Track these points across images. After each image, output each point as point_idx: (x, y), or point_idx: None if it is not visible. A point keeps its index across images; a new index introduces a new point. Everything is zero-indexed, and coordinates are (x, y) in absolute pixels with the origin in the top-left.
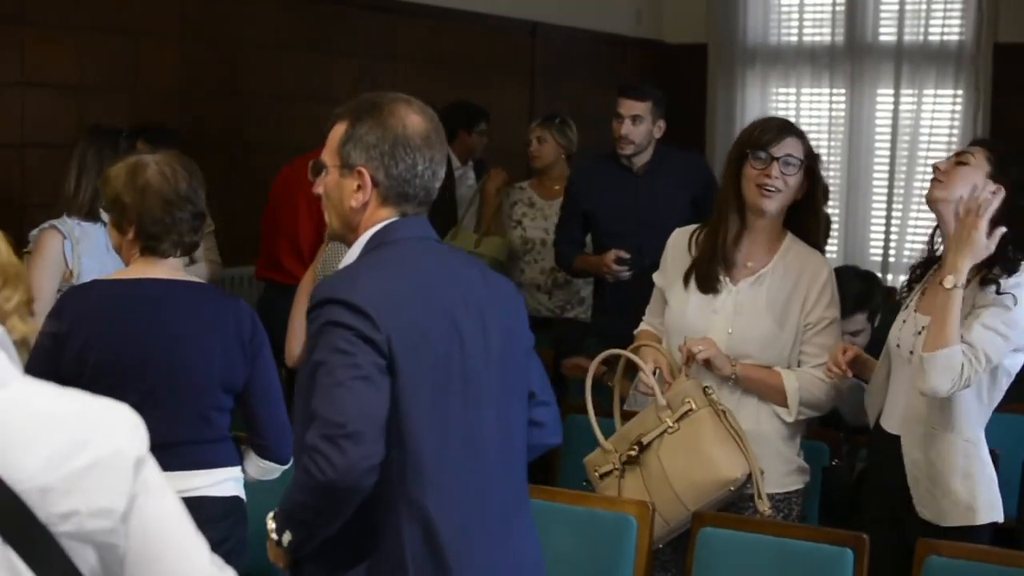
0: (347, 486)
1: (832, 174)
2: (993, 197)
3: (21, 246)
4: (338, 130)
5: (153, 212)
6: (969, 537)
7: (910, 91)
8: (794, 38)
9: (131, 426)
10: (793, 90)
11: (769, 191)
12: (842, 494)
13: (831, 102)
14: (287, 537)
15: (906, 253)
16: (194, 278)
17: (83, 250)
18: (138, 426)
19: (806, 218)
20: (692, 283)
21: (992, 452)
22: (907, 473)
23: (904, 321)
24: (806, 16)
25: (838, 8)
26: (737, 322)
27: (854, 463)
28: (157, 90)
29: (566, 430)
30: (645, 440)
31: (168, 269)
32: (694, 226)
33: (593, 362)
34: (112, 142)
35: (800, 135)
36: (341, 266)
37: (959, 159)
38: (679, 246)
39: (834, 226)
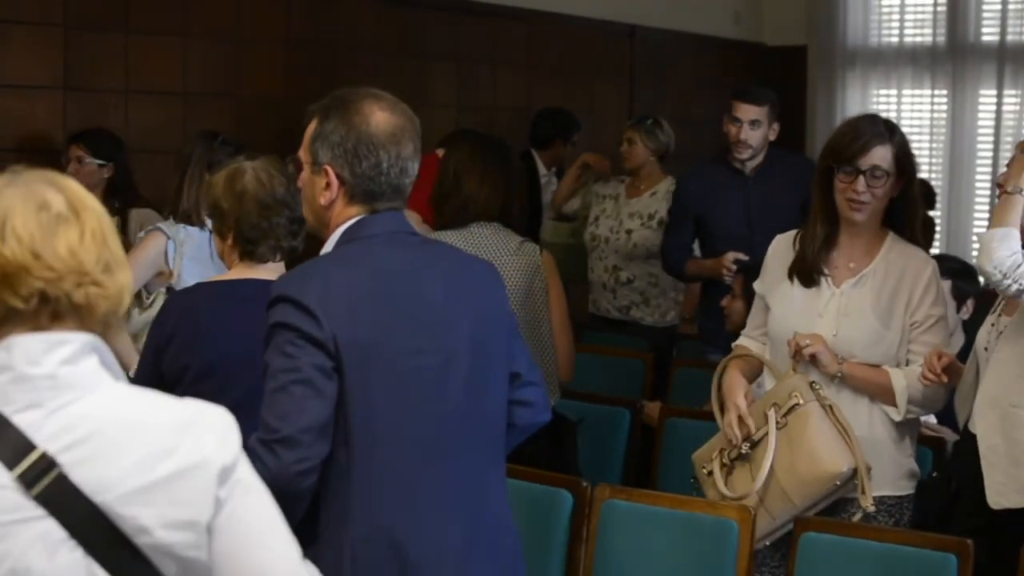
0: (281, 488)
1: (934, 176)
2: None
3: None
4: (310, 127)
5: (250, 217)
6: None
7: (1013, 91)
8: (895, 39)
9: (221, 432)
10: (894, 92)
11: (857, 205)
12: (937, 506)
13: (932, 103)
14: None
15: None
16: None
17: (185, 253)
18: (230, 430)
19: (904, 214)
20: (795, 285)
21: None
22: (983, 461)
23: (992, 324)
24: (907, 17)
25: (939, 8)
26: (842, 324)
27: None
28: (260, 96)
29: (668, 434)
30: (755, 437)
31: (268, 273)
32: (794, 232)
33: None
34: (218, 148)
35: (888, 138)
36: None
37: None
38: (780, 252)
39: (936, 228)
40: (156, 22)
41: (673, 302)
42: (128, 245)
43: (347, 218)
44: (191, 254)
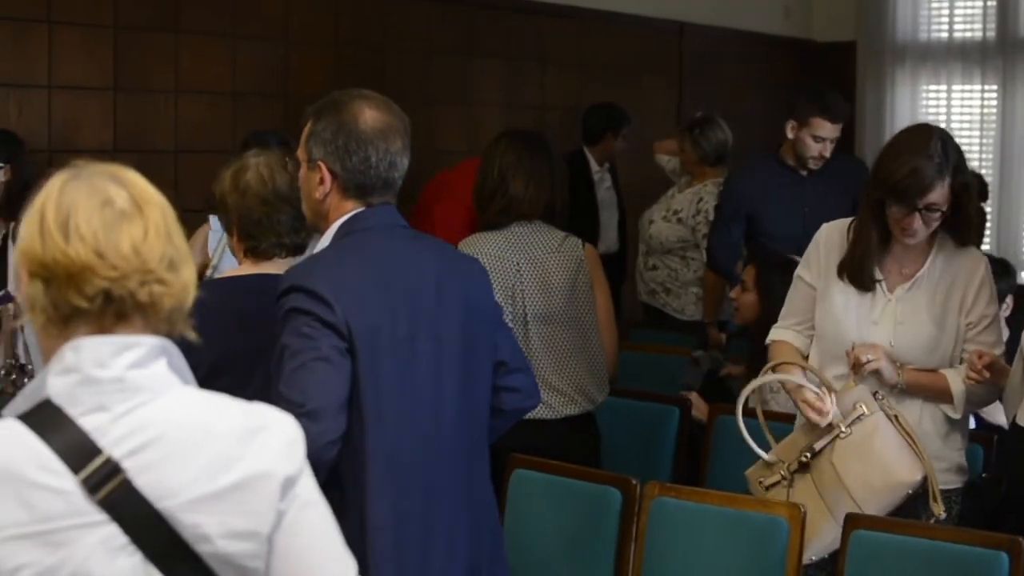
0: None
1: (984, 172)
2: None
3: None
4: (306, 128)
5: (252, 213)
6: None
7: None
8: (944, 34)
9: (286, 442)
10: (944, 87)
11: (911, 234)
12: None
13: (983, 99)
14: None
15: None
16: None
17: (226, 246)
18: (295, 441)
19: (958, 227)
20: (848, 287)
21: None
22: None
23: None
24: (956, 12)
25: (989, 3)
26: (898, 332)
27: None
28: (309, 96)
29: (719, 431)
30: (817, 447)
31: (274, 269)
32: (846, 220)
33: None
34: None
35: (946, 171)
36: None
37: None
38: (834, 243)
39: (987, 224)
40: (205, 23)
41: (695, 297)
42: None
43: (343, 212)
44: (230, 249)
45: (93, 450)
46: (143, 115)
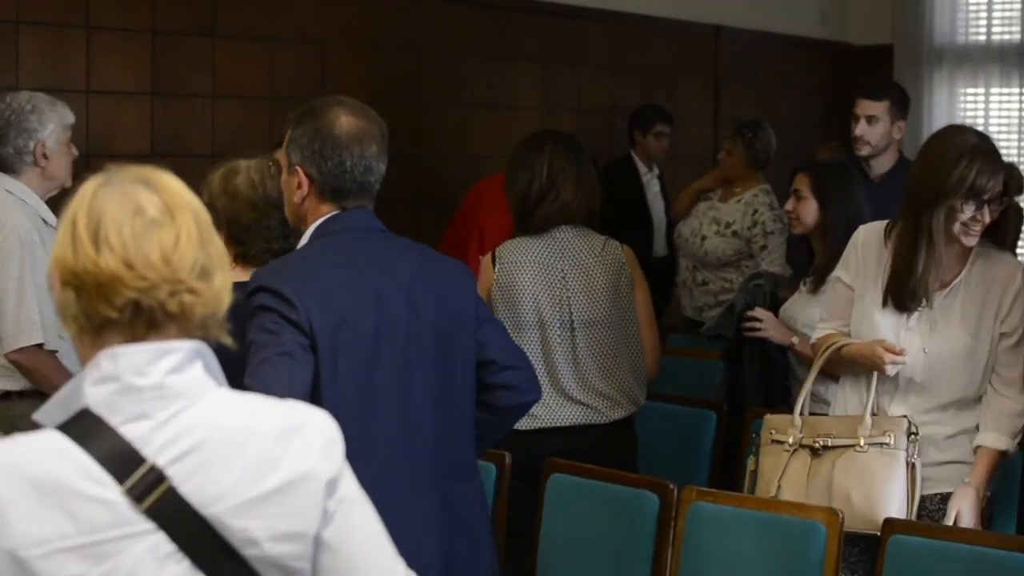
0: None
1: None
2: None
3: None
4: (287, 134)
5: (241, 218)
6: None
7: None
8: (982, 37)
9: (325, 441)
10: (982, 90)
11: (976, 231)
12: None
13: (1021, 102)
14: None
15: None
16: None
17: None
18: (334, 440)
19: (1003, 228)
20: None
21: None
22: None
23: None
24: (994, 14)
25: None
26: (932, 340)
27: None
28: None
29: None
30: (831, 442)
31: None
32: (883, 223)
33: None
34: None
35: (1000, 159)
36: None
37: None
38: (869, 243)
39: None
40: (242, 27)
41: None
42: None
43: (319, 215)
44: None
45: (137, 459)
46: (180, 120)
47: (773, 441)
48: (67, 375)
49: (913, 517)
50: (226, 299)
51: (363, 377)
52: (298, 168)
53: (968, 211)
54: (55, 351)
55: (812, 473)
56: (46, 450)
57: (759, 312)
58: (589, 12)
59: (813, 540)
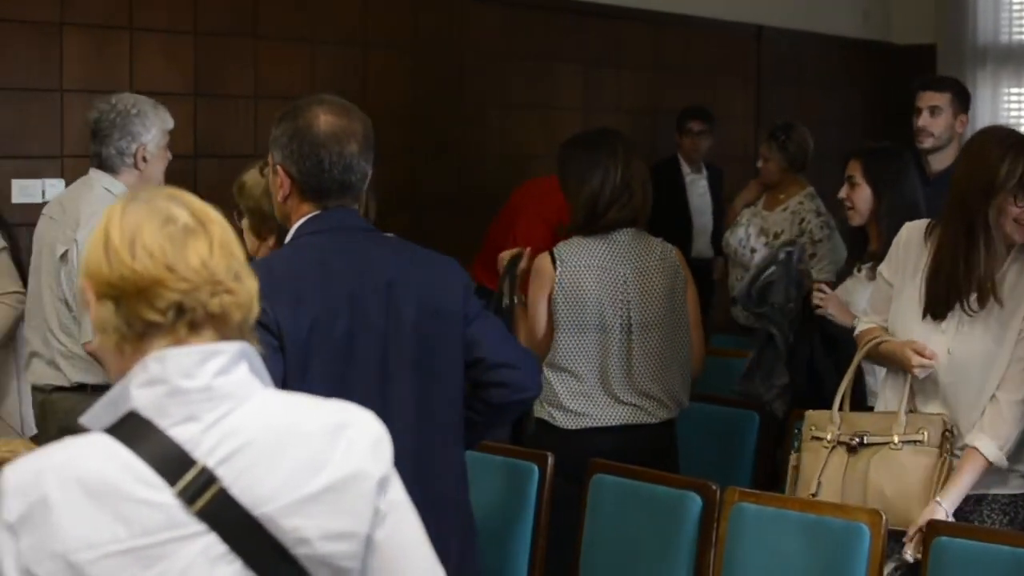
0: None
1: None
2: None
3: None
4: (271, 134)
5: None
6: None
7: None
8: None
9: (373, 441)
10: None
11: None
12: None
13: None
14: None
15: None
16: None
17: None
18: (381, 440)
19: None
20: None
21: None
22: None
23: None
24: None
25: None
26: (958, 340)
27: None
28: (387, 100)
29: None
30: (867, 439)
31: None
32: (925, 221)
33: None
34: None
35: None
36: None
37: None
38: (911, 241)
39: None
40: (284, 27)
41: None
42: None
43: (301, 215)
44: None
45: (187, 461)
46: (223, 120)
47: (813, 438)
48: None
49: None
50: (255, 306)
51: (336, 377)
52: (279, 167)
53: (1020, 206)
54: None
55: (848, 470)
56: (96, 453)
57: (826, 289)
58: (630, 12)
59: (856, 542)
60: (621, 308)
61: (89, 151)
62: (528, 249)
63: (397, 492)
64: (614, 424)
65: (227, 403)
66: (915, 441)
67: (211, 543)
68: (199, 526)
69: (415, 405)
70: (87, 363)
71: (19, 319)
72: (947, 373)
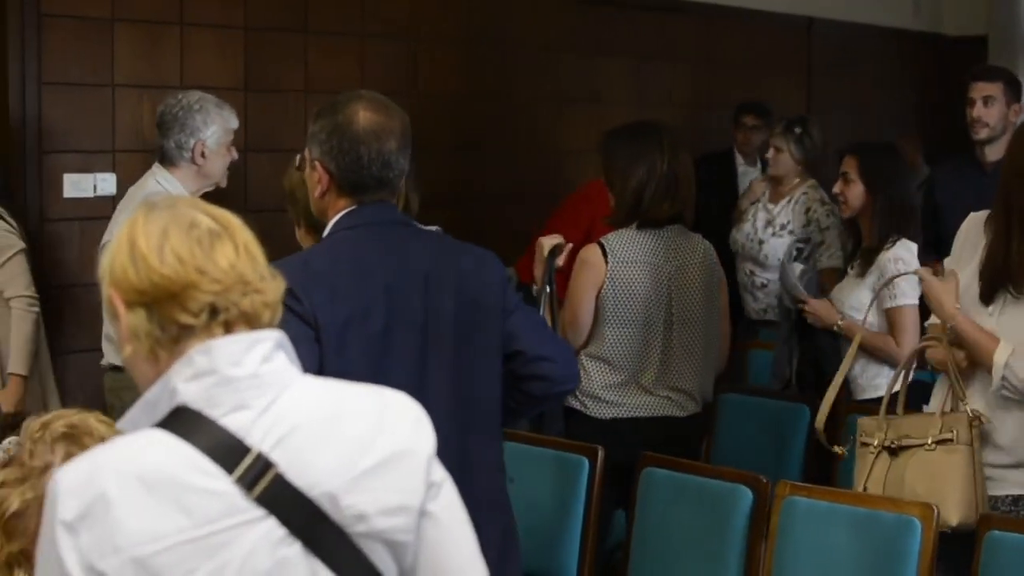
0: None
1: None
2: None
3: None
4: (309, 129)
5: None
6: None
7: None
8: None
9: (414, 419)
10: None
11: None
12: None
13: None
14: None
15: None
16: None
17: None
18: (421, 418)
19: None
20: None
21: None
22: None
23: None
24: None
25: None
26: (1002, 322)
27: None
28: (437, 94)
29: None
30: (906, 443)
31: None
32: (987, 212)
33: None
34: None
35: None
36: None
37: None
38: (971, 230)
39: None
40: (334, 22)
41: None
42: None
43: (338, 209)
44: None
45: (242, 448)
46: (273, 115)
47: (862, 444)
48: None
49: (982, 504)
50: (280, 308)
51: (373, 371)
52: (317, 163)
53: None
54: None
55: (890, 473)
56: (153, 447)
57: (812, 304)
58: (681, 5)
59: (908, 535)
60: (663, 304)
61: (146, 146)
62: (570, 245)
63: (439, 468)
64: (645, 415)
65: (273, 389)
66: (947, 440)
67: (271, 527)
68: (258, 511)
69: (453, 398)
70: (112, 344)
71: (38, 323)
72: None
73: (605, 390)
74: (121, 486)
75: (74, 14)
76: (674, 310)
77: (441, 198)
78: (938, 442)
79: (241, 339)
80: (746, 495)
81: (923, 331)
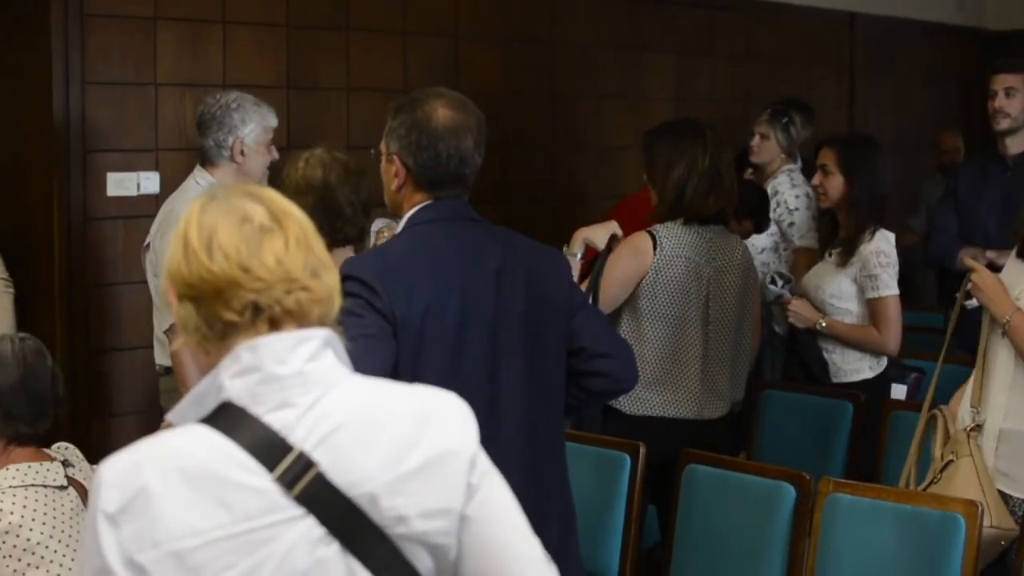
0: None
1: None
2: None
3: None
4: (387, 124)
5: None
6: None
7: None
8: None
9: (460, 420)
10: None
11: None
12: None
13: None
14: None
15: None
16: None
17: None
18: (467, 419)
19: None
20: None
21: None
22: None
23: None
24: None
25: None
26: None
27: None
28: (479, 92)
29: (893, 426)
30: (930, 477)
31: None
32: None
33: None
34: None
35: None
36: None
37: None
38: None
39: None
40: (376, 20)
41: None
42: None
43: (414, 204)
44: None
45: (284, 446)
46: (315, 112)
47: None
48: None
49: (993, 511)
50: (337, 299)
51: (448, 364)
52: (395, 157)
53: None
54: None
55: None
56: (195, 442)
57: (795, 304)
58: (722, 1)
59: (952, 533)
60: (702, 304)
61: (189, 144)
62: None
63: (485, 464)
64: (678, 415)
65: (318, 388)
66: (948, 464)
67: (310, 526)
68: (298, 510)
69: (523, 391)
70: (163, 346)
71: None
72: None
73: (641, 387)
74: (163, 480)
75: (117, 13)
76: (711, 311)
77: (482, 195)
78: (943, 470)
79: (287, 337)
80: (789, 492)
81: (904, 320)
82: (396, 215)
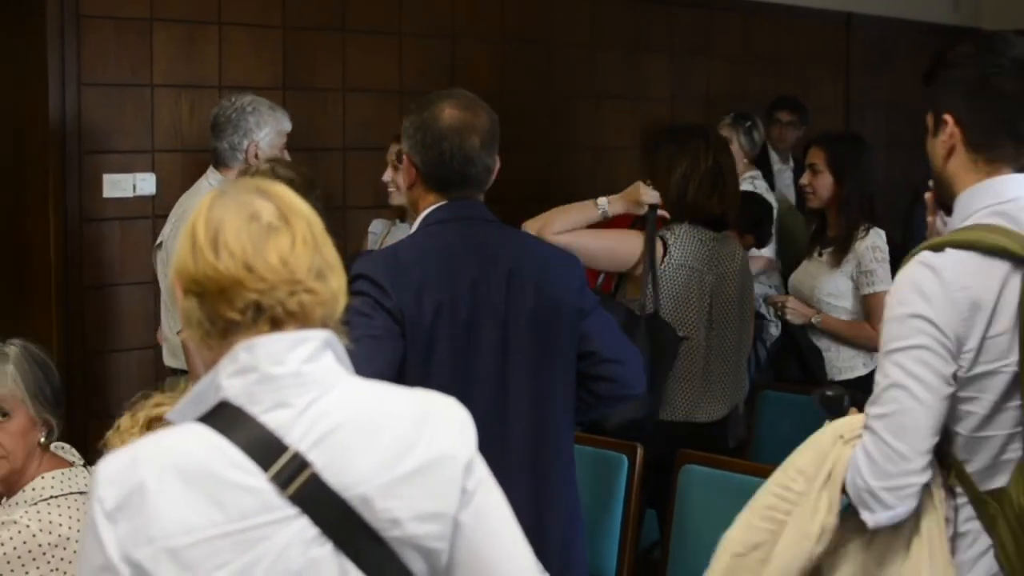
0: None
1: None
2: None
3: (348, 243)
4: (403, 124)
5: None
6: None
7: None
8: None
9: (459, 425)
10: None
11: None
12: None
13: None
14: None
15: None
16: None
17: (387, 244)
18: (466, 425)
19: None
20: None
21: None
22: None
23: None
24: None
25: None
26: None
27: None
28: (475, 91)
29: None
30: None
31: None
32: None
33: None
34: None
35: None
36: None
37: None
38: None
39: None
40: (372, 21)
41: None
42: None
43: (427, 204)
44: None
45: (280, 446)
46: (312, 114)
47: None
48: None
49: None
50: (342, 300)
51: (458, 364)
52: (406, 156)
53: None
54: None
55: None
56: (191, 441)
57: (791, 301)
58: (719, 1)
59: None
60: (705, 310)
61: (185, 146)
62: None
63: (481, 471)
64: (671, 419)
65: (316, 389)
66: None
67: (304, 526)
68: (292, 510)
69: (532, 393)
70: (172, 348)
71: None
72: None
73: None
74: (159, 478)
75: (113, 15)
76: (714, 316)
77: None
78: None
79: (285, 338)
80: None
81: None
82: (414, 215)
